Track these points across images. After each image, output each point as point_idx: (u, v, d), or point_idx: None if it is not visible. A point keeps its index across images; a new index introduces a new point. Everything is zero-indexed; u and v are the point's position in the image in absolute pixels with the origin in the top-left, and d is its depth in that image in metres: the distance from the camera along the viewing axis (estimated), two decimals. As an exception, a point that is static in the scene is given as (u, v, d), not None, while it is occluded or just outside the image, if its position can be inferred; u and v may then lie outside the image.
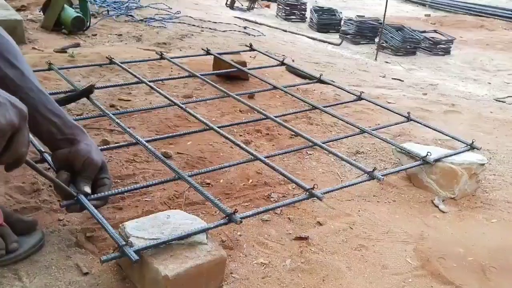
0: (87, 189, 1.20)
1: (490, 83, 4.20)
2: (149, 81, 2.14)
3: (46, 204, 1.40)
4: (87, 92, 1.66)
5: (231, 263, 1.26)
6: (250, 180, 1.71)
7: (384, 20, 5.17)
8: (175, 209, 1.44)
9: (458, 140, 1.92)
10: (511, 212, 1.69)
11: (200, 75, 2.25)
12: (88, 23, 3.79)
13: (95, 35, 3.76)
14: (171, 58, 2.48)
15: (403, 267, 1.34)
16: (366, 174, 1.52)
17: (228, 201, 1.57)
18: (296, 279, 1.24)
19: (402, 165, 1.81)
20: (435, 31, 6.13)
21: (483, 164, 1.77)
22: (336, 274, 1.28)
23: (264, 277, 1.23)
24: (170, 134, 1.77)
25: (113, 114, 1.71)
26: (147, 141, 1.53)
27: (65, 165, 1.23)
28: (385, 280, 1.28)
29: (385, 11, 5.02)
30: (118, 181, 1.58)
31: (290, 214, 1.53)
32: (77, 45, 3.29)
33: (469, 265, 1.37)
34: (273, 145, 2.02)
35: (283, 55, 3.79)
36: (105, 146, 1.61)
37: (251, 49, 2.79)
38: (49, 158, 1.31)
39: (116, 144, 1.65)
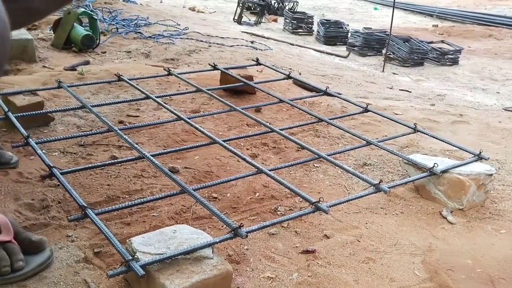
0: None
1: (498, 93, 4.18)
2: (156, 97, 2.16)
3: (55, 220, 1.42)
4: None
5: (238, 277, 1.27)
6: (257, 194, 1.71)
7: (390, 32, 5.18)
8: (182, 223, 1.45)
9: (466, 151, 1.91)
10: (521, 222, 1.68)
11: (207, 89, 2.27)
12: (98, 41, 3.85)
13: (105, 52, 3.81)
14: (179, 73, 2.51)
15: (411, 279, 1.33)
16: (372, 187, 1.52)
17: (235, 215, 1.57)
18: (303, 292, 1.24)
19: (410, 176, 1.80)
20: (442, 42, 6.13)
21: (491, 175, 1.76)
22: (343, 287, 1.27)
23: (271, 291, 1.23)
24: (176, 148, 1.79)
25: (120, 130, 1.73)
26: (153, 156, 1.55)
27: None
28: (393, 293, 1.27)
29: (392, 22, 5.03)
30: (126, 196, 1.60)
31: (297, 228, 1.53)
32: (87, 63, 3.34)
33: (478, 277, 1.36)
34: (279, 158, 2.03)
35: (290, 69, 3.82)
36: (112, 161, 1.63)
37: (258, 63, 2.81)
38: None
39: (124, 159, 1.67)
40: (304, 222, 1.56)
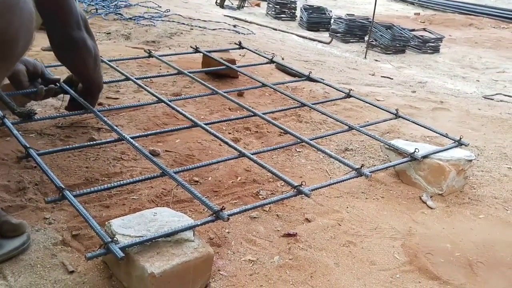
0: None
1: (478, 81, 4.23)
2: (137, 79, 2.12)
3: (32, 202, 1.38)
4: (25, 115, 1.65)
5: (219, 260, 1.26)
6: (239, 178, 1.70)
7: (373, 19, 5.18)
8: (163, 206, 1.43)
9: (446, 137, 1.93)
10: (498, 208, 1.70)
11: (189, 72, 2.24)
12: (76, 21, 3.75)
13: (84, 33, 3.72)
14: (160, 56, 2.47)
15: (391, 262, 1.34)
16: (354, 171, 1.52)
17: (217, 199, 1.56)
18: (284, 275, 1.24)
19: (391, 161, 1.81)
20: (424, 30, 6.16)
21: (470, 160, 1.78)
22: (324, 270, 1.28)
23: (252, 274, 1.23)
24: (156, 131, 1.76)
25: (99, 112, 1.70)
26: (133, 138, 1.52)
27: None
28: (373, 276, 1.28)
29: (374, 9, 5.04)
30: (105, 179, 1.57)
31: (279, 211, 1.52)
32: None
33: (457, 261, 1.38)
34: (262, 142, 2.02)
35: (273, 53, 3.79)
36: (90, 143, 1.60)
37: (240, 47, 2.78)
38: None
39: (103, 140, 1.64)
40: (286, 206, 1.56)
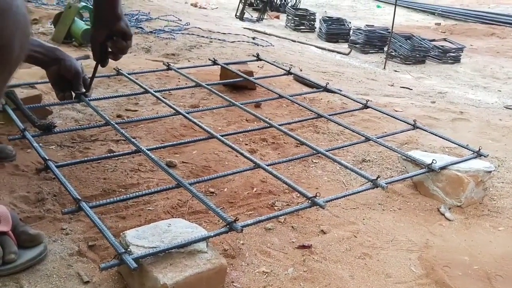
0: (83, 89, 1.79)
1: (500, 91, 4.16)
2: (155, 91, 2.15)
3: (50, 213, 1.41)
4: (45, 128, 1.67)
5: (233, 272, 1.26)
6: (255, 189, 1.70)
7: (392, 29, 5.16)
8: (178, 218, 1.45)
9: (465, 148, 1.90)
10: (519, 220, 1.66)
11: (206, 84, 2.26)
12: (98, 36, 3.84)
13: (105, 47, 3.80)
14: (178, 68, 2.50)
15: (407, 275, 1.32)
16: (370, 182, 1.51)
17: (232, 210, 1.57)
18: (297, 287, 1.23)
19: (408, 173, 1.79)
20: (444, 40, 6.10)
21: (490, 172, 1.75)
22: (338, 282, 1.26)
23: (265, 286, 1.22)
24: (173, 143, 1.78)
25: (118, 124, 1.72)
26: (149, 150, 1.54)
27: (58, 78, 1.76)
28: (389, 289, 1.26)
29: (393, 20, 5.01)
30: (122, 190, 1.59)
31: (294, 223, 1.52)
32: (86, 57, 3.32)
33: (475, 274, 1.35)
34: (278, 153, 2.02)
35: (290, 65, 3.80)
36: (107, 155, 1.62)
37: (258, 59, 2.80)
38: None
39: (119, 153, 1.67)
40: (301, 218, 1.56)
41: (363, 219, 1.58)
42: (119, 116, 2.20)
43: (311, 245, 1.40)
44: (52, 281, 1.14)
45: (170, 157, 1.87)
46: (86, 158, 1.56)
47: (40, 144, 1.88)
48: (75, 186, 1.59)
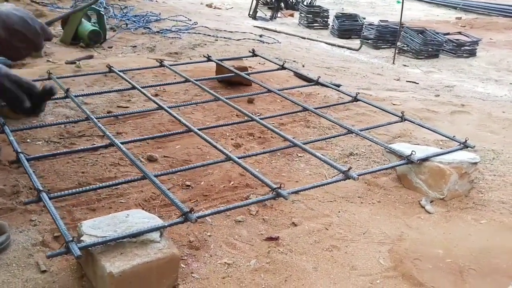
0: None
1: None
2: (145, 87, 2.17)
3: (22, 205, 1.43)
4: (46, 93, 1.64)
5: (194, 263, 1.26)
6: (232, 182, 1.69)
7: (400, 22, 5.06)
8: (149, 210, 1.45)
9: (451, 139, 1.85)
10: (504, 213, 1.61)
11: (195, 80, 2.26)
12: (105, 36, 3.89)
13: (111, 47, 3.85)
14: (171, 65, 2.51)
15: (373, 268, 1.29)
16: (341, 174, 1.48)
17: (205, 203, 1.56)
18: (257, 279, 1.22)
19: (391, 165, 1.75)
20: (459, 33, 5.93)
21: (475, 163, 1.70)
22: (300, 274, 1.24)
23: (224, 277, 1.22)
24: (149, 136, 1.80)
25: (98, 119, 1.74)
26: (123, 143, 1.55)
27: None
28: (351, 281, 1.23)
29: (401, 12, 4.91)
30: (97, 183, 1.59)
31: (266, 215, 1.51)
32: (90, 57, 3.38)
33: (446, 267, 1.31)
34: (263, 147, 2.00)
35: (293, 61, 3.78)
36: (77, 149, 1.65)
37: (254, 54, 2.79)
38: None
39: (88, 147, 1.70)
40: (274, 210, 1.54)
41: (339, 211, 1.55)
42: (109, 112, 2.22)
43: (279, 237, 1.38)
44: (10, 270, 1.16)
45: (153, 151, 1.88)
46: (56, 152, 1.59)
47: (29, 140, 1.92)
48: (52, 179, 1.62)
